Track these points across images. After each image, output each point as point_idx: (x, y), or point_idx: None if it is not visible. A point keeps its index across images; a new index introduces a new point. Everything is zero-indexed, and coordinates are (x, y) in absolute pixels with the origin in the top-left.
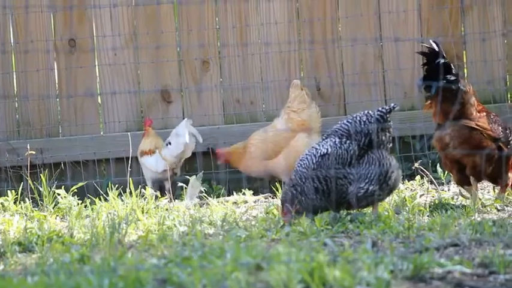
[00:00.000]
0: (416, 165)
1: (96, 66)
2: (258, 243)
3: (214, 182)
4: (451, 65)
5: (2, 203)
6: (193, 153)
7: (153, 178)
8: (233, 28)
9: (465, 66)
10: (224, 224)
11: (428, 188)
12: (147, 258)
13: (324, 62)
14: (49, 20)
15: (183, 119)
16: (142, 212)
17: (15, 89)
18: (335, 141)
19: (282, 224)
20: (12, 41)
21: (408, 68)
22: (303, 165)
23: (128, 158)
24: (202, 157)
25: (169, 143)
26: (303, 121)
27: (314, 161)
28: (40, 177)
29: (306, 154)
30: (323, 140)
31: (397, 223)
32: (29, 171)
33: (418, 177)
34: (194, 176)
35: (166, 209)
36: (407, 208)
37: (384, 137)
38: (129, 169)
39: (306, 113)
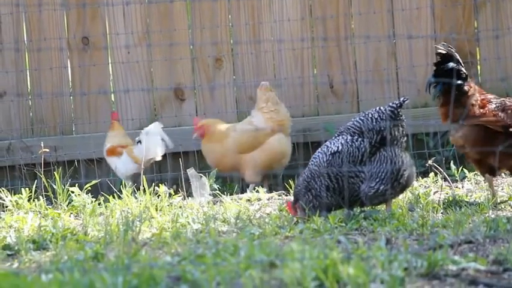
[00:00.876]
0: (430, 162)
1: (110, 64)
2: (271, 240)
3: (227, 180)
4: (461, 67)
5: (16, 201)
6: None
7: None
8: (246, 25)
9: (478, 63)
10: (238, 221)
11: (442, 185)
12: (160, 256)
13: (337, 59)
14: (62, 17)
15: (196, 116)
16: (156, 210)
17: (29, 87)
18: (346, 139)
19: (295, 221)
20: (25, 39)
21: (421, 65)
22: (315, 163)
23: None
24: None
25: (140, 142)
26: (282, 121)
27: (325, 159)
28: (54, 175)
29: (318, 152)
30: (335, 137)
31: (411, 220)
32: (42, 169)
33: (431, 175)
34: (192, 168)
35: (180, 207)
36: (421, 205)
37: (396, 133)
38: (142, 167)
39: (282, 114)
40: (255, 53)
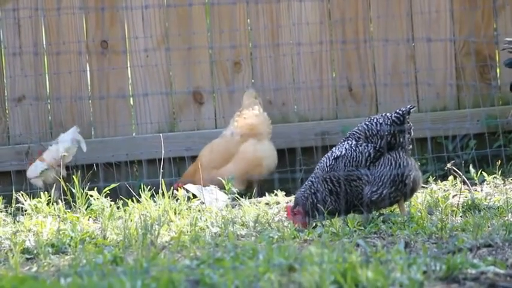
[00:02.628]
0: (448, 165)
1: (128, 68)
2: (290, 244)
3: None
4: None
5: (35, 205)
6: None
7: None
8: (265, 29)
9: (497, 66)
10: (256, 225)
11: (461, 189)
12: (179, 259)
13: (355, 63)
14: (81, 21)
15: (215, 120)
16: (175, 213)
17: (48, 90)
18: (351, 144)
19: (314, 225)
20: (44, 43)
21: (440, 68)
22: (319, 168)
23: (160, 160)
24: None
25: (51, 145)
26: (252, 126)
27: (328, 164)
28: (73, 178)
29: (324, 157)
30: (341, 142)
31: (430, 224)
32: (61, 173)
33: (450, 178)
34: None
35: (199, 210)
36: (440, 209)
37: (401, 139)
38: (161, 170)
39: (256, 119)
40: (273, 57)
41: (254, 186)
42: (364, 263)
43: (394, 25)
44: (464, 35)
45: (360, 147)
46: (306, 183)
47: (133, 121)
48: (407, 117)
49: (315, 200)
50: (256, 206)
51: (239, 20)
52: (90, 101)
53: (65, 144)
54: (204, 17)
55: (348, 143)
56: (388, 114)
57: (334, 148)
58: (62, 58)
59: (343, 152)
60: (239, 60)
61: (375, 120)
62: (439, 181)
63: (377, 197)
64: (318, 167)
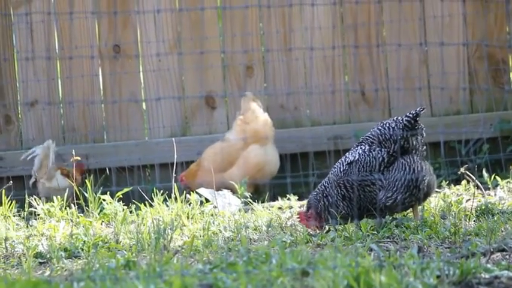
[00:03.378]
0: (462, 170)
1: (141, 72)
2: (303, 248)
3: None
4: None
5: (48, 209)
6: None
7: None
8: (277, 33)
9: (510, 70)
10: (269, 229)
11: (474, 193)
12: (192, 264)
13: (368, 67)
14: (93, 25)
15: (227, 124)
16: (188, 218)
17: (60, 95)
18: (364, 149)
19: (327, 229)
20: (57, 47)
21: (453, 73)
22: (333, 173)
23: (172, 164)
24: None
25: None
26: (255, 131)
27: (342, 169)
28: (85, 182)
29: (338, 162)
30: (354, 147)
31: (443, 228)
32: (74, 177)
33: (464, 182)
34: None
35: (212, 215)
36: (453, 213)
37: (415, 142)
38: (173, 174)
39: (258, 123)
40: (286, 61)
41: (262, 190)
42: (377, 268)
43: (406, 29)
44: (477, 39)
45: (373, 152)
46: (319, 187)
47: (145, 125)
48: (418, 119)
49: (327, 203)
50: (269, 210)
51: (251, 24)
52: (102, 105)
53: (38, 157)
54: (216, 21)
55: (361, 148)
56: (399, 117)
57: (347, 153)
58: (74, 62)
59: (357, 157)
60: (251, 65)
61: (387, 125)
62: (452, 185)
63: (391, 203)
64: (331, 172)
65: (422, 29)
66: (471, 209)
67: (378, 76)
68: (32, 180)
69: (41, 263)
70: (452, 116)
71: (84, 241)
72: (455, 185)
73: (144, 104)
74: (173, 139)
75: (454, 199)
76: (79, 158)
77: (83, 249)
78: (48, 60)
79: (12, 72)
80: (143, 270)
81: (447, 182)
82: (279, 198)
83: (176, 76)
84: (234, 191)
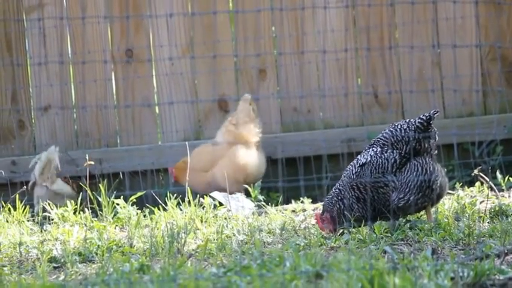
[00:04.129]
0: (475, 171)
1: (154, 76)
2: (317, 251)
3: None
4: None
5: (62, 214)
6: None
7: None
8: (290, 36)
9: None
10: (283, 232)
11: (488, 195)
12: (206, 267)
13: (381, 69)
14: (106, 30)
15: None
16: (201, 221)
17: (73, 99)
18: (376, 151)
19: (341, 232)
20: (69, 52)
21: (466, 75)
22: (346, 175)
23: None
24: None
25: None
26: (240, 134)
27: (354, 171)
28: (99, 187)
29: (350, 164)
30: (366, 149)
31: (457, 230)
32: (87, 182)
33: (477, 184)
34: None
35: (225, 218)
36: (467, 215)
37: (426, 145)
38: (187, 178)
39: (246, 127)
40: (298, 64)
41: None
42: (391, 270)
43: (419, 31)
44: (490, 41)
45: (385, 154)
46: (333, 190)
47: (158, 129)
48: (431, 122)
49: (342, 207)
50: (283, 213)
51: (264, 27)
52: (115, 110)
53: (39, 163)
54: (229, 25)
55: (373, 149)
56: (412, 120)
57: (359, 155)
58: (87, 67)
59: (369, 159)
60: (264, 68)
61: (399, 126)
62: (466, 187)
63: (404, 203)
64: (344, 174)
65: (435, 31)
66: (485, 211)
67: (391, 78)
68: (30, 183)
69: (55, 268)
70: (466, 117)
71: (98, 245)
72: (468, 187)
73: (157, 108)
74: (186, 143)
75: (468, 201)
76: (92, 163)
77: (97, 254)
78: (61, 65)
79: (25, 77)
80: (157, 274)
81: (461, 183)
82: (293, 201)
83: (189, 80)
84: (220, 191)
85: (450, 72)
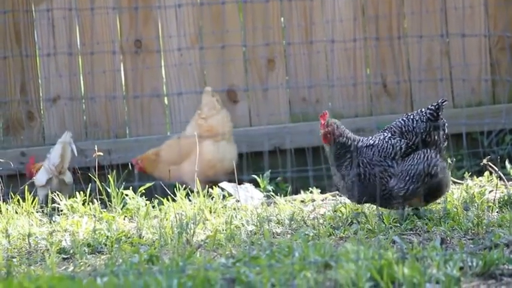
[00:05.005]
0: (484, 161)
1: (162, 67)
2: (326, 241)
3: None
4: None
5: (71, 205)
6: (260, 152)
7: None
8: (298, 26)
9: None
10: (292, 222)
11: (497, 184)
12: (215, 258)
13: (389, 59)
14: (115, 21)
15: (249, 118)
16: (210, 212)
17: (82, 90)
18: (385, 136)
19: (350, 222)
20: (78, 43)
21: (475, 64)
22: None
23: (195, 158)
24: (269, 156)
25: (49, 153)
26: (210, 127)
27: (361, 149)
28: (108, 178)
29: (360, 141)
30: (378, 133)
31: (466, 220)
32: (96, 173)
33: (486, 173)
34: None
35: (234, 209)
36: (476, 204)
37: (436, 137)
38: (196, 169)
39: (215, 119)
40: (307, 54)
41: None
42: (400, 260)
43: (428, 21)
44: (499, 30)
45: (392, 140)
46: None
47: (167, 120)
48: (440, 113)
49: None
50: (292, 203)
51: (272, 17)
52: (124, 101)
53: (57, 151)
54: (237, 14)
55: (383, 134)
56: (423, 110)
57: (370, 136)
58: (96, 58)
59: (376, 141)
60: (273, 58)
61: (412, 117)
62: (475, 177)
63: (404, 193)
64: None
65: (444, 21)
66: (494, 200)
67: (400, 68)
68: (50, 175)
69: (64, 259)
70: (475, 107)
71: (107, 236)
72: (477, 177)
73: (166, 98)
74: (195, 133)
75: (477, 190)
76: (101, 154)
77: (106, 245)
78: (70, 56)
79: (34, 68)
80: (166, 264)
81: (470, 173)
82: (302, 191)
83: (198, 70)
84: (190, 184)
85: (459, 61)
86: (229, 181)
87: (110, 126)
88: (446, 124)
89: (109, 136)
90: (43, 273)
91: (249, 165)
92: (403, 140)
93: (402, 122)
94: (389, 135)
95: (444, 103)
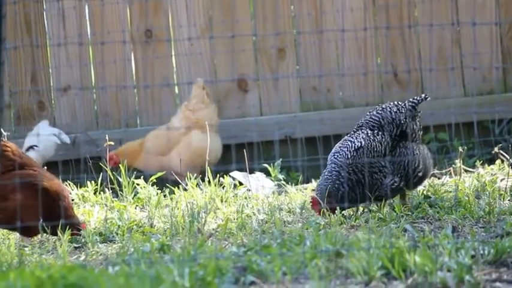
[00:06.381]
0: (496, 149)
1: (173, 56)
2: (337, 230)
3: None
4: None
5: (82, 194)
6: (271, 141)
7: None
8: (308, 15)
9: None
10: (303, 211)
11: (508, 172)
12: (226, 247)
13: (400, 48)
14: (125, 11)
15: (260, 107)
16: (221, 201)
17: (93, 80)
18: (367, 133)
19: (361, 210)
20: (89, 33)
21: (486, 52)
22: (339, 157)
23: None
24: (280, 145)
25: (36, 146)
26: (197, 120)
27: (349, 156)
28: (119, 167)
29: (340, 147)
30: (354, 132)
31: (477, 208)
32: (107, 162)
33: (498, 162)
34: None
35: (245, 198)
36: (487, 193)
37: (415, 126)
38: (207, 158)
39: (202, 113)
40: (318, 43)
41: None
42: (411, 248)
43: (438, 9)
44: (510, 18)
45: (377, 137)
46: (329, 173)
47: (178, 109)
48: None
49: (345, 190)
50: (303, 192)
51: (283, 6)
52: (135, 90)
53: (46, 143)
54: (248, 4)
55: (363, 132)
56: (400, 102)
57: (349, 138)
58: (106, 48)
59: (363, 142)
60: (283, 47)
61: (388, 109)
62: (486, 165)
63: (396, 186)
64: (335, 156)
65: (455, 9)
66: (505, 188)
67: (410, 57)
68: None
69: (76, 248)
70: (486, 95)
71: (119, 225)
72: (489, 165)
73: (176, 88)
74: (206, 123)
75: (488, 179)
76: (112, 143)
77: (117, 234)
78: (80, 46)
79: (45, 58)
80: (178, 253)
81: (481, 161)
82: (313, 180)
83: (208, 60)
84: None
85: (470, 50)
86: (240, 170)
87: (120, 116)
88: (421, 115)
89: (120, 126)
90: (55, 262)
91: (260, 154)
92: (386, 134)
93: (379, 114)
94: (369, 131)
95: (428, 98)
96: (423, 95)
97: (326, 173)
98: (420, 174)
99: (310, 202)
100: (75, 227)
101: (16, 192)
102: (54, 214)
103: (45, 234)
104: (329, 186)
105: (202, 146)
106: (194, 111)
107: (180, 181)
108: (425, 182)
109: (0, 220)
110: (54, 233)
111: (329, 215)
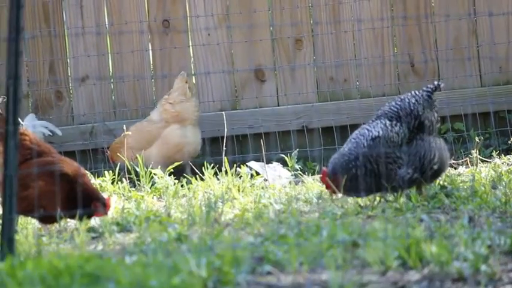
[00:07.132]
0: None
1: (190, 47)
2: (353, 220)
3: (309, 159)
4: None
5: (99, 184)
6: (287, 131)
7: None
8: (325, 5)
9: None
10: (320, 201)
11: None
12: (243, 237)
13: (417, 38)
14: (143, 1)
15: (277, 97)
16: (238, 191)
17: (111, 70)
18: (385, 124)
19: (378, 200)
20: (106, 23)
21: (503, 43)
22: (355, 146)
23: (222, 137)
24: (297, 135)
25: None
26: (177, 113)
27: (366, 144)
28: (137, 157)
29: (358, 134)
30: (373, 121)
31: (494, 198)
32: (125, 152)
33: None
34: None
35: (262, 188)
36: (504, 183)
37: (432, 118)
38: (224, 148)
39: (182, 106)
40: (335, 33)
41: (182, 170)
42: (428, 238)
43: (455, 0)
44: None
45: (395, 128)
46: (347, 152)
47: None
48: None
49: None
50: (319, 182)
51: None
52: (152, 80)
53: (40, 134)
54: None
55: (381, 122)
56: (417, 92)
57: (366, 126)
58: (124, 38)
59: (380, 132)
60: (300, 38)
61: (407, 100)
62: (503, 155)
63: (409, 178)
64: (352, 143)
65: None
66: None
67: (427, 47)
68: None
69: (93, 238)
70: (502, 85)
71: (136, 215)
72: (505, 155)
73: (193, 78)
74: (223, 113)
75: (505, 169)
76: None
77: (134, 224)
78: (98, 35)
79: (63, 48)
80: (195, 243)
81: (497, 152)
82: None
83: (225, 50)
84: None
85: (486, 40)
86: (257, 160)
87: (138, 106)
88: (438, 106)
89: (137, 116)
90: (72, 252)
91: (277, 144)
92: (404, 125)
93: (398, 105)
94: (387, 121)
95: (441, 85)
96: (436, 82)
97: (346, 149)
98: (435, 167)
99: (321, 174)
100: (101, 203)
101: (37, 180)
102: (76, 197)
103: (62, 223)
104: (343, 163)
105: (180, 141)
106: (174, 104)
107: (196, 171)
108: (443, 175)
109: (23, 209)
110: (79, 217)
111: (346, 204)
